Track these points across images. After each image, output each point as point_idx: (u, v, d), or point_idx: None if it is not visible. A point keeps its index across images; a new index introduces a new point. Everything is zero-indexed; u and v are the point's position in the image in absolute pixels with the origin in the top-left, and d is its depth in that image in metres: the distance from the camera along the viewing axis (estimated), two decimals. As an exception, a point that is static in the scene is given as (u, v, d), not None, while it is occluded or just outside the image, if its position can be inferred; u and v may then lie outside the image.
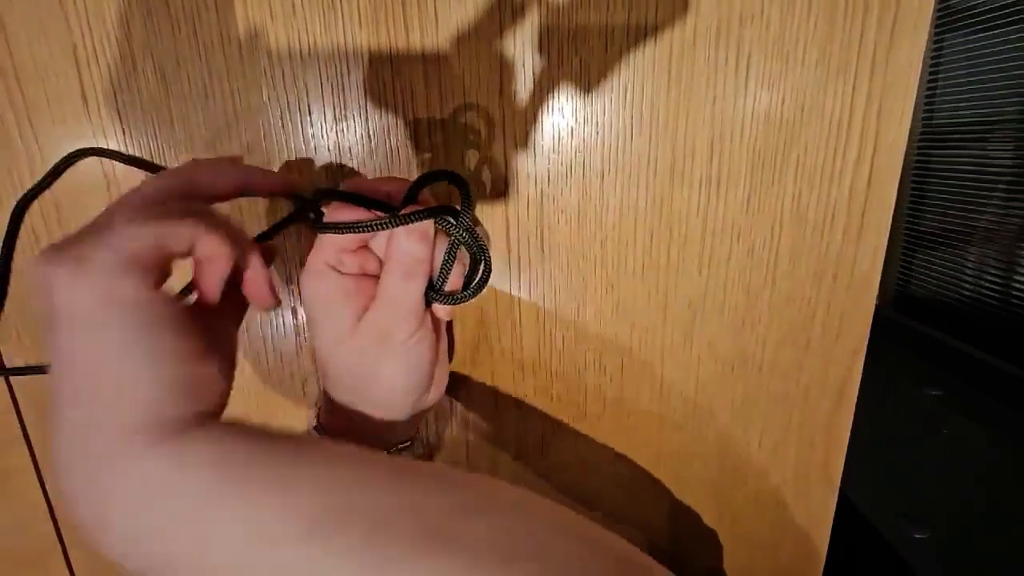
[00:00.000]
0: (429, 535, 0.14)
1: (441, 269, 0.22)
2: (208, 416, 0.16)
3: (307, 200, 0.22)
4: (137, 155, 0.25)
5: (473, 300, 0.23)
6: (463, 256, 0.22)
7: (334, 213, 0.22)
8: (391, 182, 0.23)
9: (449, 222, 0.21)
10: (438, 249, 0.22)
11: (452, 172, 0.22)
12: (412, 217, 0.20)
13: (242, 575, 0.14)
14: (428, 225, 0.21)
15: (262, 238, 0.22)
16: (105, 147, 0.25)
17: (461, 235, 0.22)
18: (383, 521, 0.15)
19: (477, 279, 0.23)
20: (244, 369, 0.29)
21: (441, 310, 0.23)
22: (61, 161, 0.25)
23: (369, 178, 0.26)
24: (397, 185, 0.22)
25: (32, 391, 0.29)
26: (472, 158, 0.26)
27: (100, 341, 0.15)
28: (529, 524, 0.16)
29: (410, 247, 0.21)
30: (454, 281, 0.22)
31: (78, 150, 0.25)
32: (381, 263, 0.23)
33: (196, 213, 0.17)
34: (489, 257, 0.22)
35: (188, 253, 0.17)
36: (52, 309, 0.14)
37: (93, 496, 0.15)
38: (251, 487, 0.15)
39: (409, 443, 0.26)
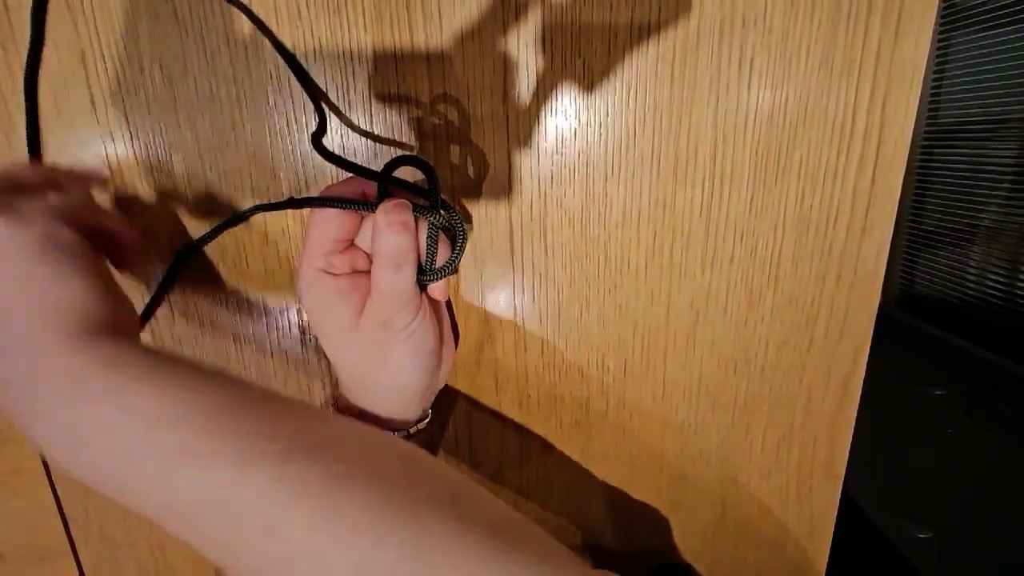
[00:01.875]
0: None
1: (427, 253, 0.23)
2: (128, 336, 0.18)
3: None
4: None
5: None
6: (443, 235, 0.23)
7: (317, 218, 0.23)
8: (357, 182, 0.23)
9: (423, 207, 0.22)
10: (419, 234, 0.22)
11: (415, 156, 0.23)
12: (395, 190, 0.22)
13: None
14: (408, 217, 0.22)
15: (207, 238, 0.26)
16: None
17: (436, 217, 0.22)
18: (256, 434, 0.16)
19: (456, 251, 0.23)
20: (250, 367, 0.29)
21: (436, 291, 0.24)
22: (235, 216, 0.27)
23: (335, 184, 0.26)
24: (365, 184, 0.23)
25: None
26: (475, 159, 0.26)
27: (46, 263, 0.17)
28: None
29: (394, 240, 0.22)
30: (441, 260, 0.23)
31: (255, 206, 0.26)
32: (369, 257, 0.23)
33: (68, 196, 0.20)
34: (464, 229, 0.23)
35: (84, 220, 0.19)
36: None
37: (24, 387, 0.16)
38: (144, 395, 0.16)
39: (427, 421, 0.27)
